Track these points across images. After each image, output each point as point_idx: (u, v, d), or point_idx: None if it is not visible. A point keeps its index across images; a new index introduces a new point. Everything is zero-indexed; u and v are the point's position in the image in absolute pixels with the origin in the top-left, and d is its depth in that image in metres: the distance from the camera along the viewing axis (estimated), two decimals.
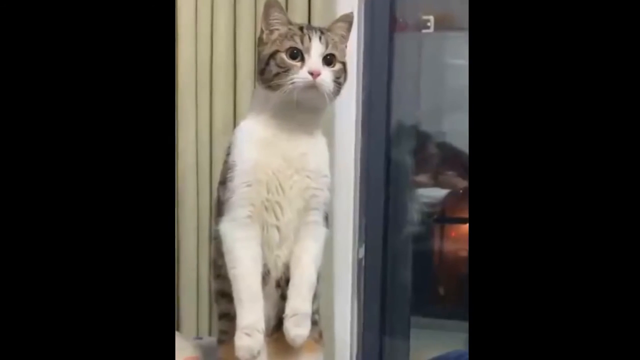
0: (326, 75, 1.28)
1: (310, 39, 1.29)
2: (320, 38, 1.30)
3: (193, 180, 1.93)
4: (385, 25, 2.11)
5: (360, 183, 2.09)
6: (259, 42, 1.36)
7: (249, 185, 1.30)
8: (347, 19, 1.40)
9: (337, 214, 1.98)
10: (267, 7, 1.34)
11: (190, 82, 1.91)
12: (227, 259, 1.31)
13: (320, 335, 1.44)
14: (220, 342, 1.40)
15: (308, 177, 1.33)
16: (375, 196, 2.13)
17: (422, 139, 2.27)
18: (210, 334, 1.93)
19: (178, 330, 1.93)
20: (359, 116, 2.05)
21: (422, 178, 2.29)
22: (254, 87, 1.42)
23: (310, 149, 1.35)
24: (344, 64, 1.34)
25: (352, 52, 1.98)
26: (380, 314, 2.19)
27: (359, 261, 2.11)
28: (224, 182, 1.34)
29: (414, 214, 2.28)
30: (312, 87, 1.27)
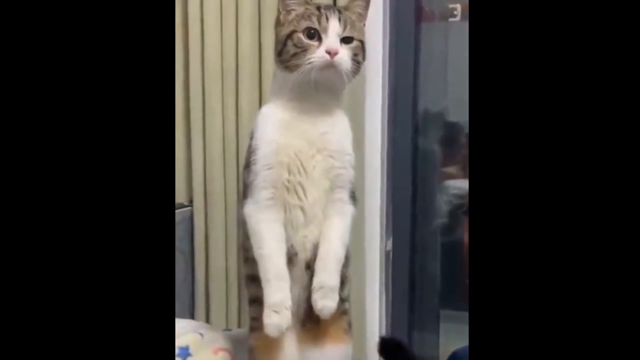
0: (344, 54, 1.29)
1: (327, 18, 1.30)
2: (338, 17, 1.31)
3: (220, 171, 2.04)
4: (411, 14, 2.16)
5: (388, 175, 2.15)
6: (276, 24, 1.38)
7: (270, 168, 1.32)
8: None
9: (365, 206, 2.04)
10: None
11: (216, 77, 2.01)
12: (253, 240, 1.34)
13: (350, 325, 1.46)
14: (251, 329, 1.43)
15: (331, 156, 1.35)
16: (402, 188, 2.19)
17: (450, 129, 2.31)
18: (239, 326, 2.02)
19: (208, 322, 2.01)
20: (385, 107, 2.11)
21: (451, 169, 2.33)
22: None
23: (331, 129, 1.36)
24: (362, 42, 1.35)
25: (378, 42, 2.05)
26: (409, 308, 2.25)
27: (387, 254, 2.17)
28: (247, 166, 1.37)
29: (443, 205, 2.32)
30: (330, 66, 1.28)
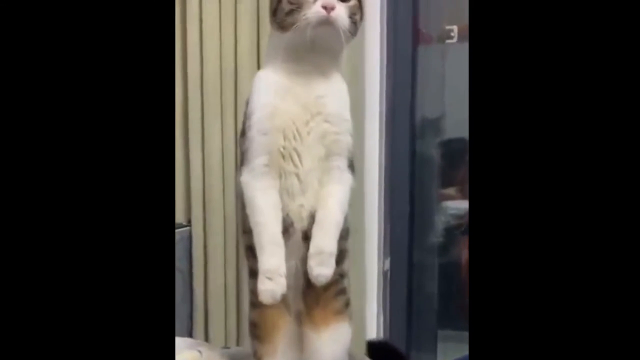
0: (341, 10, 1.24)
1: None
2: None
3: (219, 191, 2.06)
4: (408, 37, 2.20)
5: (385, 194, 2.18)
6: None
7: (264, 134, 1.29)
8: None
9: (364, 225, 2.08)
10: None
11: (215, 100, 2.04)
12: (247, 208, 1.31)
13: (348, 304, 1.40)
14: (251, 304, 1.39)
15: (327, 121, 1.30)
16: (400, 208, 2.22)
17: (448, 150, 2.32)
18: (238, 344, 2.03)
19: (207, 340, 2.03)
20: (382, 129, 2.15)
21: (450, 190, 2.34)
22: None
23: (328, 92, 1.31)
24: (359, 1, 1.30)
25: (375, 64, 2.09)
26: (407, 328, 2.26)
27: (385, 273, 2.20)
28: (243, 133, 1.34)
29: (441, 225, 2.34)
30: (326, 22, 1.23)
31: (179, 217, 2.11)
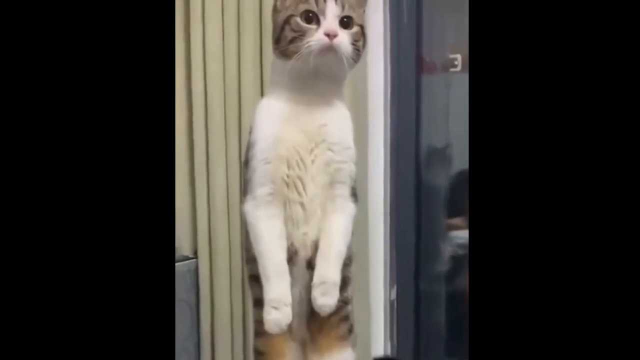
0: (343, 37, 1.24)
1: (325, 0, 1.25)
2: (335, 0, 1.26)
3: (224, 223, 2.08)
4: (412, 66, 2.21)
5: (391, 224, 2.19)
6: (273, 11, 1.33)
7: (268, 162, 1.28)
8: None
9: (369, 254, 2.09)
10: None
11: (219, 131, 2.05)
12: (252, 237, 1.30)
13: (352, 330, 1.40)
14: (256, 334, 1.39)
15: (330, 149, 1.30)
16: (406, 237, 2.22)
17: (454, 179, 2.32)
18: None
19: None
20: (387, 159, 2.17)
21: (456, 220, 2.33)
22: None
23: (331, 120, 1.31)
24: (362, 27, 1.30)
25: (379, 94, 2.10)
26: (414, 357, 2.26)
27: (391, 303, 2.20)
28: (247, 162, 1.33)
29: (447, 255, 2.33)
30: (329, 49, 1.23)
31: (185, 249, 2.12)
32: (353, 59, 1.28)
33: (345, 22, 1.27)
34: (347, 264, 1.33)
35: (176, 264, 2.00)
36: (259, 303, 1.33)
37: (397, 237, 2.20)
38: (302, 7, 1.26)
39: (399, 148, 2.19)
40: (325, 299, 1.27)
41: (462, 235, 2.32)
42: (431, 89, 2.25)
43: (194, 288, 2.11)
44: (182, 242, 2.09)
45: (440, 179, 2.29)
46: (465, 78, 2.18)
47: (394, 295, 2.20)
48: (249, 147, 1.32)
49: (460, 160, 2.27)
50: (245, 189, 1.34)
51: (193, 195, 2.10)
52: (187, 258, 2.10)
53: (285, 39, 1.27)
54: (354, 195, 1.35)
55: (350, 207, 1.34)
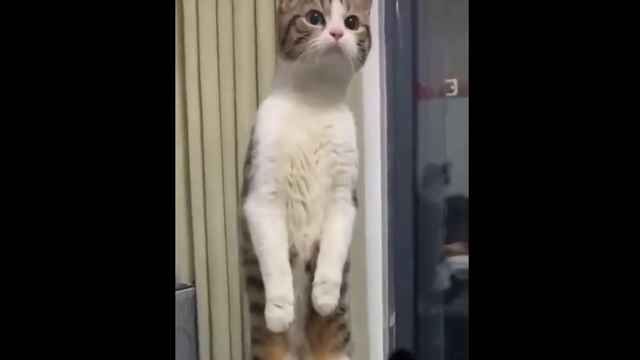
0: (349, 37, 1.24)
1: (330, 0, 1.26)
2: (341, 0, 1.27)
3: (222, 251, 2.06)
4: (408, 91, 2.22)
5: (390, 250, 2.19)
6: (278, 12, 1.33)
7: (272, 161, 1.28)
8: None
9: (367, 281, 2.08)
10: None
11: (216, 158, 2.05)
12: (254, 236, 1.29)
13: (348, 339, 1.40)
14: (253, 341, 1.39)
15: (334, 151, 1.30)
16: (404, 263, 2.22)
17: (452, 205, 2.32)
18: None
19: None
20: (385, 184, 2.17)
21: (455, 246, 2.33)
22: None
23: (336, 122, 1.32)
24: (367, 28, 1.30)
25: (376, 119, 2.11)
26: None
27: (390, 329, 2.19)
28: (248, 161, 1.33)
29: (446, 280, 2.33)
30: (335, 49, 1.24)
31: (183, 277, 2.11)
32: (359, 59, 1.28)
33: (351, 22, 1.27)
34: (345, 269, 1.33)
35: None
36: (256, 308, 1.34)
37: (395, 264, 2.20)
38: (308, 8, 1.26)
39: (396, 173, 2.19)
40: (327, 297, 1.27)
41: (460, 260, 2.31)
42: (427, 113, 2.26)
43: (192, 316, 2.09)
44: (180, 270, 2.09)
45: (438, 202, 2.29)
46: (461, 102, 2.19)
47: (392, 322, 2.20)
48: (251, 145, 1.32)
49: (457, 183, 2.27)
50: (245, 187, 1.33)
51: (190, 223, 2.10)
52: (185, 286, 2.09)
53: (290, 40, 1.27)
54: (355, 199, 1.35)
55: (351, 210, 1.34)
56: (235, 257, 2.03)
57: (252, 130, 1.34)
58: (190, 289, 2.09)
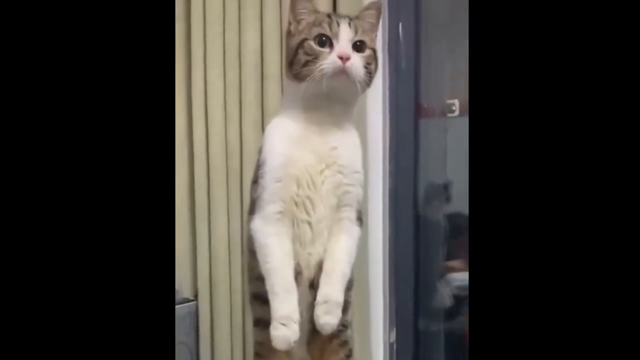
0: (356, 61, 1.26)
1: (338, 24, 1.28)
2: (349, 24, 1.29)
3: (225, 265, 2.08)
4: (410, 111, 2.24)
5: (391, 266, 2.20)
6: (287, 35, 1.36)
7: (279, 181, 1.29)
8: (376, 7, 1.38)
9: (370, 297, 2.10)
10: None
11: (221, 175, 2.07)
12: (260, 254, 1.31)
13: (349, 356, 1.41)
14: (256, 355, 1.41)
15: (340, 172, 1.32)
16: (405, 280, 2.23)
17: (452, 222, 2.33)
18: None
19: None
20: (386, 204, 2.19)
21: (455, 263, 2.34)
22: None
23: (341, 143, 1.33)
24: (374, 50, 1.33)
25: (378, 140, 2.14)
26: None
27: (391, 345, 2.20)
28: (255, 180, 1.34)
29: (446, 297, 2.34)
30: (342, 72, 1.25)
31: (185, 291, 2.13)
32: (365, 82, 1.30)
33: (358, 46, 1.29)
34: (348, 287, 1.35)
35: (176, 307, 2.00)
36: (259, 323, 1.36)
37: (396, 280, 2.22)
38: (316, 31, 1.29)
39: (397, 190, 2.21)
40: (328, 317, 1.29)
41: (460, 277, 2.32)
42: (429, 133, 2.27)
43: (193, 330, 2.11)
44: (183, 284, 2.10)
45: (439, 219, 2.31)
46: (462, 122, 2.21)
47: (393, 338, 2.21)
48: (259, 165, 1.34)
49: (458, 201, 2.28)
50: (252, 206, 1.35)
51: (194, 237, 2.12)
52: (188, 300, 2.11)
53: (298, 62, 1.29)
54: (360, 219, 1.38)
55: (355, 230, 1.36)
56: (238, 271, 2.05)
57: (260, 150, 1.36)
58: (192, 302, 2.11)
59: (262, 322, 1.32)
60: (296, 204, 1.31)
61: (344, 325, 1.37)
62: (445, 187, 2.29)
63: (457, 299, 2.34)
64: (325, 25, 1.29)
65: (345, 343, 1.40)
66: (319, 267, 1.32)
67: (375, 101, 2.15)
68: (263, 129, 2.00)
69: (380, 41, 2.06)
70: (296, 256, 1.31)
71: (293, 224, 1.31)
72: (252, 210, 1.34)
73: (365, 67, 1.29)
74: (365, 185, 2.00)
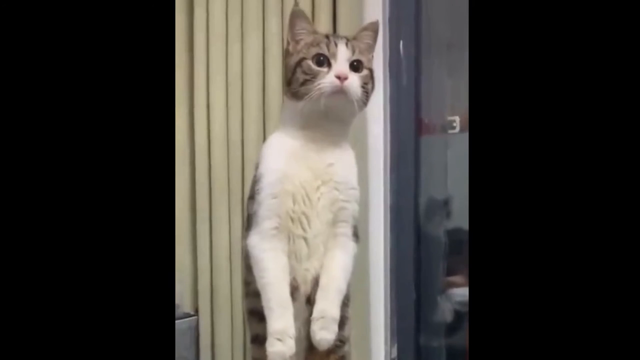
0: (353, 80, 1.28)
1: (336, 44, 1.31)
2: (346, 44, 1.32)
3: (227, 280, 2.08)
4: (411, 128, 2.25)
5: (391, 281, 2.20)
6: (286, 54, 1.39)
7: (275, 197, 1.31)
8: (373, 28, 1.41)
9: (371, 311, 2.10)
10: (293, 18, 1.37)
11: (223, 187, 2.07)
12: (256, 270, 1.32)
13: None
14: None
15: (336, 189, 1.34)
16: (407, 295, 2.23)
17: (453, 238, 2.33)
18: None
19: None
20: (387, 220, 2.19)
21: (456, 278, 2.34)
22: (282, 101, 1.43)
23: (338, 160, 1.35)
24: (371, 70, 1.35)
25: (379, 156, 2.16)
26: None
27: None
28: (252, 196, 1.36)
29: (447, 312, 2.34)
30: (340, 92, 1.27)
31: (186, 306, 2.12)
32: (362, 101, 1.32)
33: (355, 66, 1.32)
34: (345, 303, 1.35)
35: (177, 321, 2.00)
36: (257, 339, 1.36)
37: (397, 295, 2.22)
38: (314, 51, 1.31)
39: (398, 206, 2.22)
40: (324, 333, 1.29)
41: (461, 292, 2.32)
42: (430, 149, 2.29)
43: (194, 345, 2.10)
44: (183, 299, 2.10)
45: (440, 235, 2.31)
46: (463, 138, 2.22)
47: (394, 354, 2.20)
48: (255, 181, 1.36)
49: (458, 216, 2.29)
50: (249, 222, 1.36)
51: (195, 252, 2.12)
52: (188, 315, 2.11)
53: (297, 81, 1.32)
54: (356, 235, 1.39)
55: (351, 246, 1.38)
56: (238, 287, 2.03)
57: (257, 167, 1.38)
58: (192, 317, 2.10)
59: (260, 339, 1.33)
60: (292, 219, 1.32)
61: (341, 341, 1.37)
62: (446, 202, 2.29)
63: (458, 314, 2.34)
64: (323, 46, 1.31)
65: (342, 358, 1.40)
66: (316, 282, 1.33)
67: (377, 117, 2.17)
68: (264, 136, 2.04)
69: (381, 58, 2.12)
70: (293, 272, 1.32)
71: (289, 240, 1.33)
72: (249, 226, 1.36)
73: (362, 87, 1.31)
74: (366, 201, 2.05)
